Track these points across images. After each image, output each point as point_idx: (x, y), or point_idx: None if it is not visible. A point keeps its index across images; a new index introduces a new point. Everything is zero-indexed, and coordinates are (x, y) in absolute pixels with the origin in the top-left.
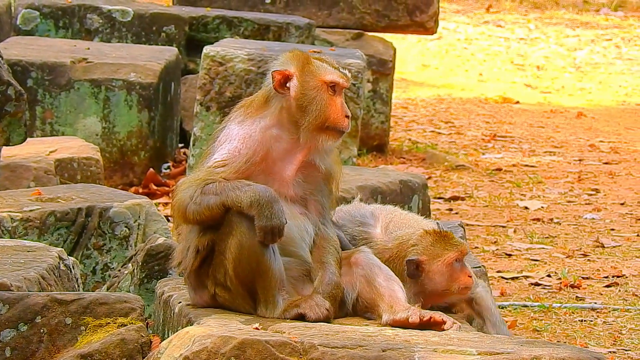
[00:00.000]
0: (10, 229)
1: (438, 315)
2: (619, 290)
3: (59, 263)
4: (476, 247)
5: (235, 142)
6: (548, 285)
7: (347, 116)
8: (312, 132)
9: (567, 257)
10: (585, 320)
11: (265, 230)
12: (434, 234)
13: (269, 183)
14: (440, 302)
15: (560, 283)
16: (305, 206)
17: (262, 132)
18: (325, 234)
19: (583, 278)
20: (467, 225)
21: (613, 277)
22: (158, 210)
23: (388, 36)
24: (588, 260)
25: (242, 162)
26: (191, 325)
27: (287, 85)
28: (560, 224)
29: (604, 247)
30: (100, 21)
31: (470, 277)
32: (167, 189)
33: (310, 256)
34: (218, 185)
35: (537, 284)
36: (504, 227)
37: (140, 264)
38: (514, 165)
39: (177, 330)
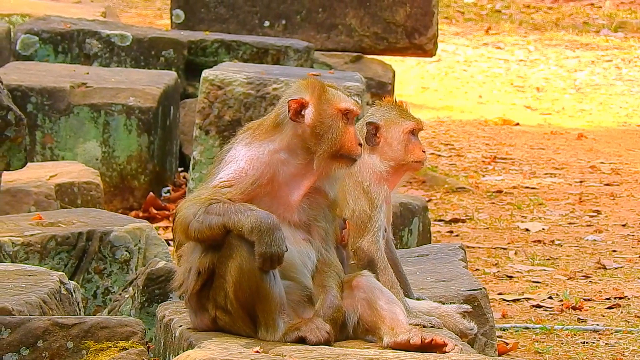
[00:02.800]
0: (11, 253)
1: (440, 338)
2: (621, 312)
3: (60, 287)
4: (477, 270)
5: (242, 163)
6: (550, 307)
7: (359, 144)
8: (325, 160)
9: (568, 279)
10: (587, 342)
11: (264, 257)
12: (392, 102)
13: (273, 206)
14: (397, 182)
15: (562, 305)
16: (308, 232)
17: (270, 155)
18: (327, 260)
19: (585, 300)
20: (468, 247)
21: (615, 298)
22: (158, 234)
23: (387, 59)
24: (590, 282)
25: (248, 183)
26: (192, 348)
27: (302, 113)
28: (561, 245)
29: (605, 268)
30: (99, 46)
31: (424, 152)
32: (167, 212)
33: (312, 281)
34: (222, 206)
35: (538, 306)
36: (505, 249)
37: (141, 287)
38: (514, 187)
39: (178, 354)
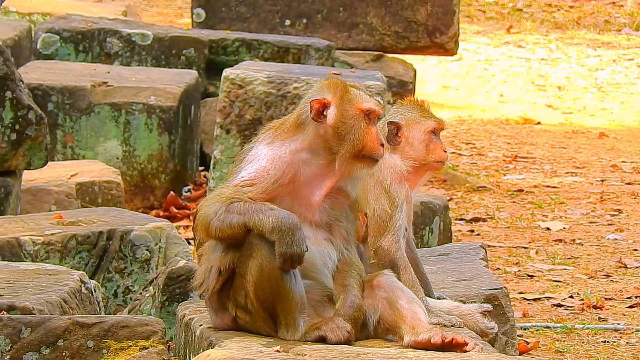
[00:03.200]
0: (31, 252)
1: (460, 337)
2: None
3: (80, 286)
4: (498, 269)
5: (263, 163)
6: (570, 306)
7: (382, 144)
8: (348, 160)
9: (589, 278)
10: (608, 341)
11: (285, 256)
12: (414, 102)
13: (295, 206)
14: (418, 182)
15: (583, 304)
16: (329, 232)
17: (291, 154)
18: (348, 259)
19: (606, 299)
20: (489, 246)
21: (636, 297)
22: (179, 233)
23: (408, 58)
24: (611, 281)
25: (269, 183)
26: (212, 347)
27: (324, 113)
28: (582, 244)
29: (626, 267)
30: (120, 45)
31: (445, 152)
32: (187, 211)
33: (333, 281)
34: (243, 205)
35: (559, 305)
36: (525, 248)
37: (161, 287)
38: (535, 186)
39: (198, 353)
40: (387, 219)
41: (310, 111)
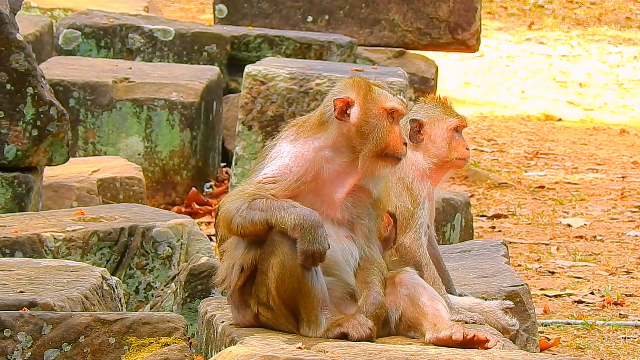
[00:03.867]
0: (53, 249)
1: (482, 334)
2: None
3: (102, 283)
4: (519, 265)
5: (286, 160)
6: (591, 303)
7: (405, 143)
8: (371, 159)
9: (610, 275)
10: (628, 338)
11: (306, 254)
12: (436, 99)
13: (317, 204)
14: (440, 179)
15: (604, 300)
16: (351, 229)
17: (314, 152)
18: (370, 257)
19: (626, 295)
20: (510, 243)
21: None
22: (201, 229)
23: (430, 54)
24: (631, 277)
25: (292, 180)
26: (234, 344)
27: (348, 111)
28: (603, 241)
29: None
30: (142, 41)
31: (468, 149)
32: (209, 208)
33: (355, 278)
34: (265, 202)
35: (580, 302)
36: (547, 244)
37: (183, 283)
38: (556, 183)
39: (220, 350)
40: (409, 217)
41: (334, 110)
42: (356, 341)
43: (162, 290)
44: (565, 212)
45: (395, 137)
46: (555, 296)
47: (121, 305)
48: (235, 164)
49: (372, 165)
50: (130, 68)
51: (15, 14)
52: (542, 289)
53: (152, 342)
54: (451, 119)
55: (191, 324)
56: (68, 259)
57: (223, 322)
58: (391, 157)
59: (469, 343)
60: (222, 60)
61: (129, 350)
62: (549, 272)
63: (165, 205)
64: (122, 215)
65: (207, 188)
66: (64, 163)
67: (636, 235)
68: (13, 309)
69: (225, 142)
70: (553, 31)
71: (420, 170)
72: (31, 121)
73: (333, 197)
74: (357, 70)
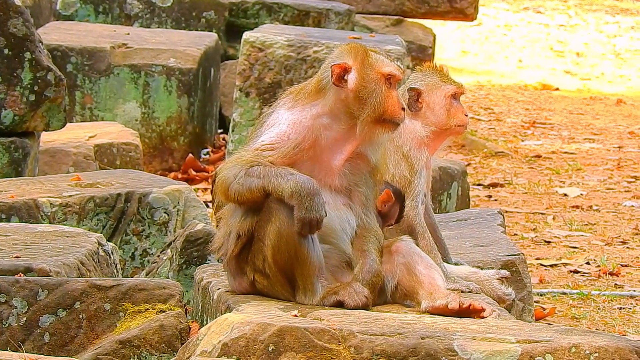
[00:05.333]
0: (49, 214)
1: (477, 303)
2: None
3: (98, 249)
4: (515, 234)
5: (284, 127)
6: (587, 273)
7: (402, 108)
8: (369, 124)
9: (606, 245)
10: (624, 308)
11: (303, 221)
12: (433, 67)
13: (315, 171)
14: (437, 147)
15: (599, 270)
16: (349, 197)
17: (312, 119)
18: (367, 225)
19: (622, 265)
20: (506, 212)
21: None
22: (197, 196)
23: (428, 22)
24: (627, 247)
25: (290, 147)
26: (230, 311)
27: (345, 77)
28: (599, 211)
29: None
30: (140, 6)
31: (467, 115)
32: (206, 174)
33: (351, 246)
34: (262, 169)
35: (576, 272)
36: (543, 214)
37: (179, 250)
38: (553, 152)
39: (215, 317)
40: (407, 185)
41: (332, 76)
42: (352, 309)
43: (158, 256)
44: (561, 181)
45: (393, 102)
46: (551, 266)
47: (117, 272)
48: (233, 131)
49: (370, 131)
50: (128, 34)
51: None
52: (537, 259)
53: (147, 309)
54: (449, 86)
55: (187, 291)
56: (64, 225)
57: (219, 289)
58: (389, 122)
59: (464, 312)
60: (220, 27)
61: (124, 316)
62: (545, 241)
63: (162, 171)
64: (118, 181)
65: (204, 154)
66: (61, 128)
67: (632, 206)
68: (9, 274)
69: (223, 109)
70: (551, 0)
71: (418, 139)
72: (29, 86)
73: (331, 164)
74: (355, 37)
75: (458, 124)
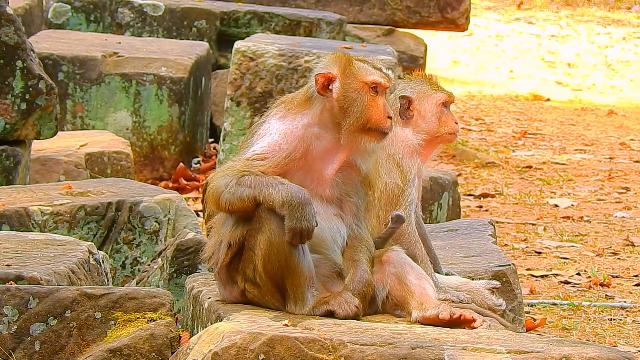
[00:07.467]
0: (40, 222)
1: (468, 313)
2: None
3: (88, 257)
4: (506, 245)
5: (275, 137)
6: (577, 284)
7: (389, 117)
8: (353, 134)
9: (597, 256)
10: (614, 319)
11: (294, 231)
12: (422, 76)
13: (307, 181)
14: (429, 155)
15: (590, 281)
16: (340, 207)
17: (303, 129)
18: (358, 235)
19: (613, 277)
20: (497, 222)
21: None
22: (188, 205)
23: (419, 32)
24: (618, 258)
25: (281, 157)
26: (220, 321)
27: (330, 87)
28: (590, 222)
29: (634, 245)
30: (132, 15)
31: (457, 123)
32: (197, 183)
33: (342, 256)
34: (254, 178)
35: (566, 282)
36: (533, 224)
37: (169, 258)
38: (544, 163)
39: (206, 326)
40: (399, 193)
41: (316, 85)
42: (342, 319)
43: (149, 265)
44: (552, 192)
45: (378, 111)
46: (542, 276)
47: (107, 280)
48: (224, 140)
49: (355, 140)
50: (120, 42)
51: None
52: (528, 269)
53: (138, 317)
54: (440, 94)
55: (177, 300)
56: (55, 233)
57: (209, 298)
58: (375, 131)
59: (455, 322)
60: (212, 36)
61: (115, 325)
62: (536, 252)
63: (153, 180)
64: (109, 189)
65: (195, 164)
66: (52, 137)
67: (623, 217)
68: None
69: (214, 118)
70: (542, 11)
71: (410, 147)
72: (20, 94)
73: (322, 173)
74: (346, 47)
75: (449, 132)
